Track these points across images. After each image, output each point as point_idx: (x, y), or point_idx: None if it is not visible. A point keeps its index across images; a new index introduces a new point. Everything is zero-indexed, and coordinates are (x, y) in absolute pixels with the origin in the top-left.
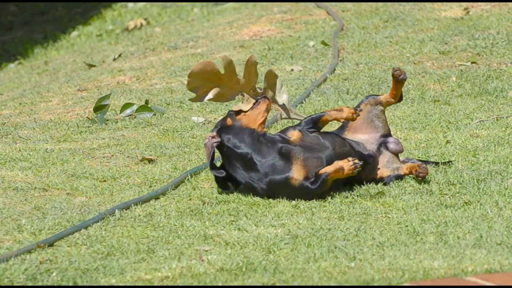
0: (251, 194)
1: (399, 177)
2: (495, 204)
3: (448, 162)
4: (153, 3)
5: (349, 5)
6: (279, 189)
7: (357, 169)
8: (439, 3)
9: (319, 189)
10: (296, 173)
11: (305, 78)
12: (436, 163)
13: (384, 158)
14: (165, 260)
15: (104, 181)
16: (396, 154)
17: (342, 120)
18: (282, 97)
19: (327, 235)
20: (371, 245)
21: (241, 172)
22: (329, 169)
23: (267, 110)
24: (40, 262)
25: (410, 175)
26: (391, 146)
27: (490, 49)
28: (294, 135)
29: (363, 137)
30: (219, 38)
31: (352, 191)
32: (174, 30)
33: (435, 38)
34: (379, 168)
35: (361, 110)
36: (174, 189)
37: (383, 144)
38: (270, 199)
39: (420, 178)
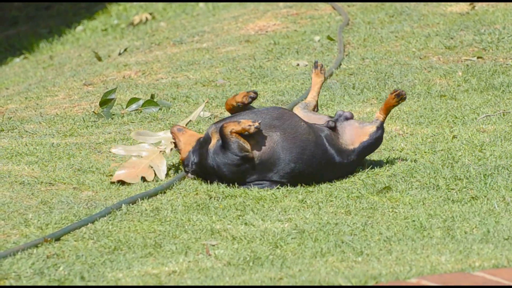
0: (257, 189)
1: (381, 123)
2: (502, 199)
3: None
4: None
5: None
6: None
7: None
8: None
9: (227, 145)
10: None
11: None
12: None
13: (354, 124)
14: (172, 255)
15: (111, 175)
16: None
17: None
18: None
19: (334, 229)
20: (378, 240)
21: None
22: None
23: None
24: (47, 256)
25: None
26: (347, 114)
27: (496, 44)
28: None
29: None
30: (224, 33)
31: (359, 186)
32: (179, 24)
33: (441, 33)
34: (358, 133)
35: (260, 122)
36: (181, 184)
37: (339, 119)
38: (277, 194)
39: (403, 97)
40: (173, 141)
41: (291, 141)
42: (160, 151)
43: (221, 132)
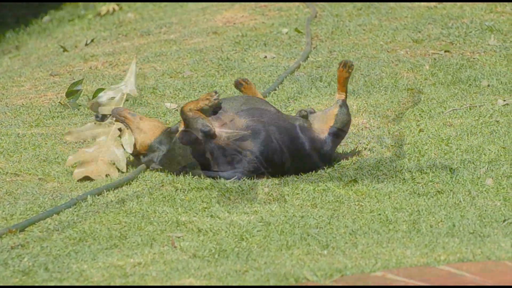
0: (224, 181)
1: (343, 102)
2: (468, 193)
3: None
4: None
5: None
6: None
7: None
8: None
9: (190, 124)
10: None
11: (278, 65)
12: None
13: (319, 113)
14: (137, 246)
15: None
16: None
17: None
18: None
19: (300, 222)
20: (344, 233)
21: None
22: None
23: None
24: (12, 247)
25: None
26: (309, 109)
27: (464, 38)
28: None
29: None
30: (192, 24)
31: (325, 179)
32: (147, 15)
33: (408, 26)
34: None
35: (218, 94)
36: (146, 175)
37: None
38: (243, 187)
39: (351, 64)
40: (123, 127)
41: (259, 126)
42: (115, 140)
43: (182, 114)
